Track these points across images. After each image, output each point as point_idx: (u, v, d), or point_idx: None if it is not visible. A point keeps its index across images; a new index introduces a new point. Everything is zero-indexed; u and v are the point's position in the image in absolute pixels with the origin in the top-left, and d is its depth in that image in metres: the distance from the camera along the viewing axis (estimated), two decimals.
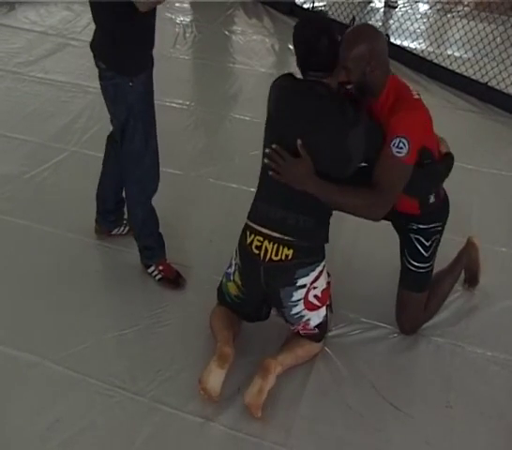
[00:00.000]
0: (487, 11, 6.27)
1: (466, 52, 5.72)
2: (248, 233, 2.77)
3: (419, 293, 3.11)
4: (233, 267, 2.91)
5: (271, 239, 2.69)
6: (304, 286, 2.75)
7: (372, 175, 2.68)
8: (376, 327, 3.22)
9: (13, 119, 4.80)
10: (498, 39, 5.63)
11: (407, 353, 3.11)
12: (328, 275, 2.89)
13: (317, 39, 2.58)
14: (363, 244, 3.70)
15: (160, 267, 3.41)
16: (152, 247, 3.42)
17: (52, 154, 4.39)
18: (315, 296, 2.81)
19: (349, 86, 2.70)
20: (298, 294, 2.76)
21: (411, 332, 3.19)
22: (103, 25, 2.95)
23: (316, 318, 2.87)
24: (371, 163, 2.68)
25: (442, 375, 3.00)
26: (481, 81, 5.34)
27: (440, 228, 3.03)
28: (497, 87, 5.28)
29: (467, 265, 3.42)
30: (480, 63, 5.43)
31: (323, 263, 2.81)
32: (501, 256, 3.70)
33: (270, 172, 2.64)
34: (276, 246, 2.69)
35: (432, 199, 2.96)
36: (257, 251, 2.72)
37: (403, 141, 2.63)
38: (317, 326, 2.90)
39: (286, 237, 2.68)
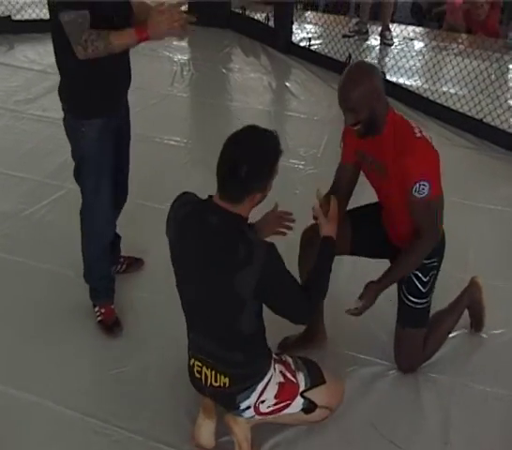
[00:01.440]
0: (481, 49, 6.37)
1: (461, 89, 5.80)
2: (189, 355, 2.69)
3: (417, 329, 3.11)
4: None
5: (208, 365, 2.59)
6: (248, 407, 2.60)
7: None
8: (375, 364, 3.22)
9: (12, 157, 4.84)
10: (492, 76, 5.73)
11: (406, 390, 3.11)
12: (283, 365, 2.69)
13: (238, 164, 2.33)
14: (360, 280, 3.72)
15: (102, 310, 3.38)
16: (98, 290, 3.40)
17: (50, 191, 4.43)
18: (269, 407, 2.62)
19: (356, 127, 2.73)
20: (248, 413, 2.62)
21: (409, 370, 3.18)
22: (58, 64, 2.99)
23: (292, 410, 2.67)
24: (272, 299, 2.49)
25: (441, 412, 2.99)
26: (476, 117, 5.39)
27: (437, 263, 3.04)
28: (492, 123, 5.34)
29: (471, 307, 3.41)
30: (475, 99, 5.49)
31: (266, 378, 2.60)
32: (499, 291, 3.71)
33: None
34: (213, 372, 2.59)
35: None
36: (198, 375, 2.64)
37: (423, 183, 2.69)
38: (303, 410, 2.70)
39: (219, 366, 2.57)
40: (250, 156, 2.35)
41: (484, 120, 5.36)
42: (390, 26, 7.09)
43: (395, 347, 3.17)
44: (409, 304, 3.07)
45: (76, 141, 3.07)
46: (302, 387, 2.66)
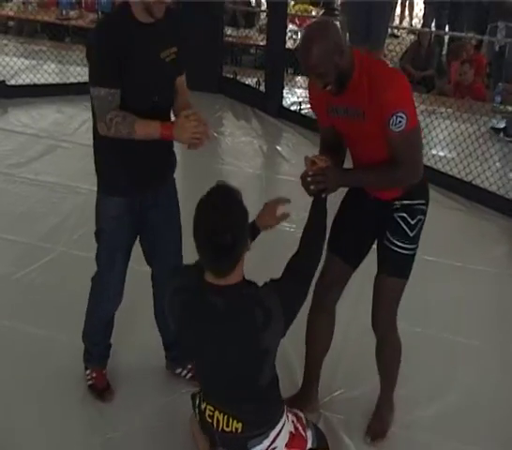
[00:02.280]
0: (469, 112, 6.50)
1: (450, 152, 5.90)
2: (201, 399, 2.67)
3: (401, 280, 2.98)
4: (196, 409, 2.74)
5: (221, 410, 2.57)
6: None
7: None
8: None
9: (3, 220, 4.86)
10: (480, 140, 5.81)
11: None
12: (296, 417, 2.74)
13: (225, 235, 2.28)
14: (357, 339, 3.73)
15: (94, 374, 3.36)
16: (91, 354, 3.38)
17: (41, 254, 4.44)
18: None
19: (328, 88, 2.69)
20: None
21: (386, 327, 3.07)
22: (93, 134, 2.94)
23: None
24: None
25: None
26: (465, 179, 5.48)
27: (423, 207, 2.93)
28: (481, 185, 5.42)
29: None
30: (464, 162, 5.58)
31: (279, 425, 2.62)
32: (489, 353, 3.73)
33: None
34: (226, 417, 2.56)
35: None
36: (210, 420, 2.60)
37: (400, 115, 2.64)
38: None
39: (233, 412, 2.56)
40: (233, 221, 2.31)
41: (473, 182, 5.44)
42: None
43: (375, 300, 3.02)
44: (396, 249, 2.91)
45: (96, 212, 3.10)
46: (309, 445, 2.70)
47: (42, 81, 7.17)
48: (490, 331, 3.94)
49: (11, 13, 9.63)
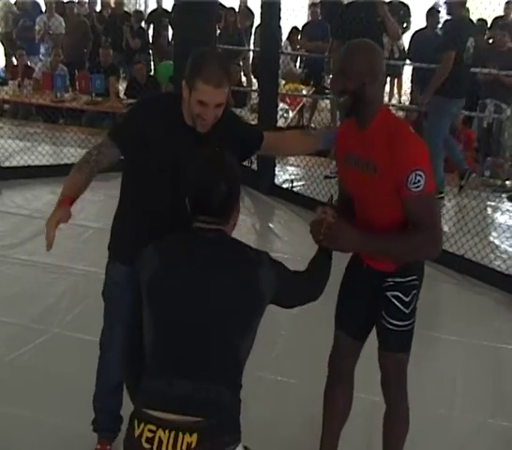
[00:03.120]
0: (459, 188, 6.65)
1: (442, 226, 5.96)
2: (135, 424, 2.22)
3: (403, 353, 2.93)
4: None
5: (166, 426, 2.16)
6: None
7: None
8: None
9: None
10: (471, 214, 5.91)
11: None
12: None
13: (215, 182, 2.34)
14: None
15: (98, 446, 3.32)
16: (97, 420, 3.33)
17: (33, 335, 4.43)
18: None
19: (343, 98, 2.65)
20: None
21: (400, 402, 3.03)
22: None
23: None
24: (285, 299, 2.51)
25: None
26: (457, 253, 5.54)
27: (417, 282, 2.86)
28: (473, 259, 5.48)
29: None
30: (456, 236, 5.65)
31: (237, 446, 2.27)
32: (488, 427, 3.72)
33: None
34: (173, 434, 2.15)
35: None
36: (148, 446, 2.16)
37: (419, 173, 2.55)
38: None
39: (190, 418, 2.18)
40: (227, 172, 2.38)
41: (465, 255, 5.51)
42: None
43: (382, 375, 2.97)
44: (393, 328, 2.87)
45: (105, 277, 3.15)
46: None
47: (36, 162, 7.32)
48: (489, 403, 3.93)
49: (7, 97, 9.87)
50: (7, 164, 7.22)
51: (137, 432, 2.19)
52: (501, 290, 5.22)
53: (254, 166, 7.24)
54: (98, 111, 9.47)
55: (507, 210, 6.69)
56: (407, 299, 2.83)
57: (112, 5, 12.02)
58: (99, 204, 6.61)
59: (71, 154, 7.55)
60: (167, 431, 2.15)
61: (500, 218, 6.54)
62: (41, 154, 7.51)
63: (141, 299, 2.42)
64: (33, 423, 3.67)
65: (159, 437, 2.15)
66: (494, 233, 6.14)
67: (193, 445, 2.13)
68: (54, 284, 5.13)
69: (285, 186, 7.04)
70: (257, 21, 11.48)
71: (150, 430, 2.17)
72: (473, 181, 7.07)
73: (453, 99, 6.72)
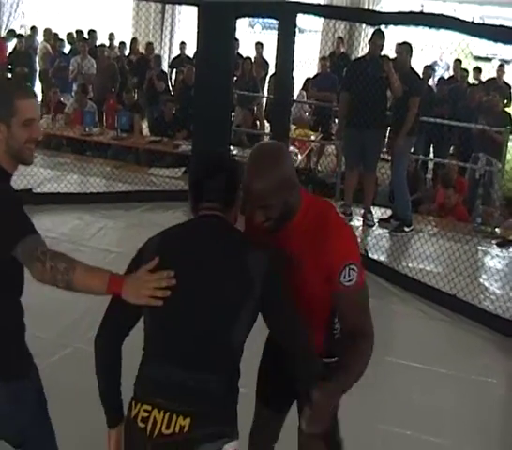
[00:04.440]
0: (452, 231, 6.70)
1: (436, 267, 6.04)
2: (133, 404, 2.17)
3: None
4: None
5: (161, 407, 2.09)
6: None
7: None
8: None
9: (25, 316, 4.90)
10: (463, 257, 5.96)
11: None
12: None
13: (217, 170, 2.27)
14: None
15: None
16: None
17: (57, 349, 4.48)
18: None
19: (267, 224, 2.30)
20: None
21: None
22: None
23: None
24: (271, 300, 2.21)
25: None
26: (450, 292, 5.57)
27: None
28: (465, 299, 5.50)
29: None
30: (449, 276, 5.71)
31: (234, 443, 2.15)
32: None
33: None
34: (167, 415, 2.07)
35: (337, 333, 2.55)
36: (142, 425, 2.09)
37: (352, 267, 2.28)
38: None
39: (183, 405, 2.09)
40: (226, 162, 2.35)
41: (457, 295, 5.53)
42: (372, 209, 7.41)
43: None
44: None
45: None
46: None
47: (65, 190, 7.39)
48: (476, 436, 3.93)
49: (41, 129, 9.93)
50: (38, 190, 7.27)
51: (133, 413, 2.14)
52: (489, 328, 5.23)
53: None
54: (123, 145, 9.55)
55: (497, 255, 6.75)
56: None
57: (142, 50, 12.20)
58: (121, 231, 6.69)
59: (97, 183, 7.66)
60: (162, 412, 2.08)
61: (490, 262, 6.59)
62: (70, 182, 7.58)
63: None
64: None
65: (154, 417, 2.08)
66: (484, 276, 6.18)
67: (186, 429, 2.05)
68: (78, 302, 5.12)
69: None
70: (271, 70, 11.67)
71: (145, 410, 2.10)
72: (465, 227, 7.16)
73: (413, 138, 7.10)
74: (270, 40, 11.66)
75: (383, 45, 7.02)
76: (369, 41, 7.06)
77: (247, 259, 2.17)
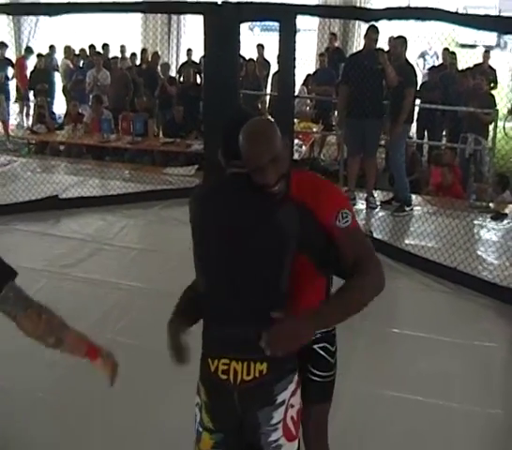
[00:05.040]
0: (450, 209, 6.69)
1: (437, 243, 6.02)
2: (209, 361, 2.24)
3: (326, 403, 2.62)
4: (198, 414, 2.33)
5: (238, 359, 2.19)
6: (283, 403, 2.23)
7: (343, 261, 2.31)
8: None
9: (57, 312, 4.94)
10: (461, 231, 5.96)
11: None
12: None
13: (240, 124, 2.24)
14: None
15: None
16: None
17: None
18: (292, 419, 2.27)
19: (276, 187, 2.24)
20: (278, 415, 2.23)
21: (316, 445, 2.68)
22: None
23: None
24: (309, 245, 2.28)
25: None
26: (451, 266, 5.56)
27: (335, 331, 2.56)
28: (464, 270, 5.50)
29: None
30: (449, 251, 5.71)
31: (296, 374, 2.30)
32: (481, 418, 3.74)
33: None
34: (245, 364, 2.19)
35: None
36: (225, 376, 2.20)
37: (344, 212, 2.30)
38: None
39: (256, 353, 2.16)
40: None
41: (457, 268, 5.53)
42: (374, 193, 7.42)
43: (304, 427, 2.56)
44: (318, 380, 2.54)
45: None
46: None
47: (88, 194, 7.43)
48: (485, 397, 3.95)
49: (63, 139, 10.04)
50: (64, 196, 7.33)
51: (212, 368, 2.23)
52: (488, 296, 5.23)
53: None
54: (139, 149, 9.58)
55: (492, 228, 6.73)
56: (332, 349, 2.56)
57: (149, 58, 12.21)
58: (141, 229, 6.74)
59: (117, 186, 7.70)
60: (240, 362, 2.19)
61: (486, 235, 6.57)
62: (92, 186, 7.64)
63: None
64: (86, 415, 3.73)
65: (234, 368, 2.19)
66: (482, 248, 6.16)
67: (264, 372, 2.19)
68: (106, 298, 5.20)
69: None
70: (272, 69, 11.66)
71: (224, 364, 2.21)
72: (462, 204, 7.15)
73: (409, 125, 7.21)
74: (269, 41, 11.73)
75: (377, 39, 7.06)
76: (365, 36, 7.08)
77: (277, 214, 2.19)
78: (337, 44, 12.34)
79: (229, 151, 2.29)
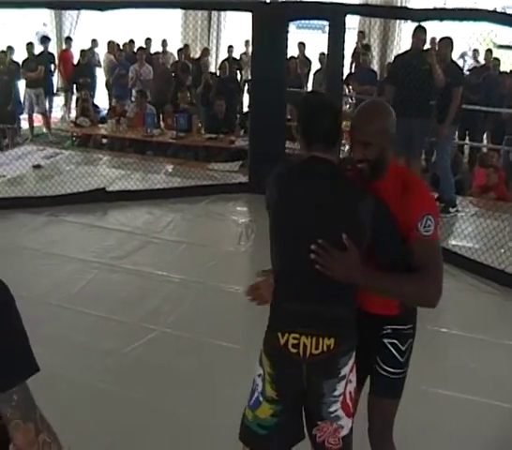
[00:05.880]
0: (494, 211, 6.65)
1: (484, 245, 5.96)
2: (279, 335, 2.35)
3: (393, 400, 2.66)
4: (260, 384, 2.45)
5: (308, 333, 2.32)
6: (344, 377, 2.37)
7: (412, 263, 2.35)
8: None
9: (109, 303, 5.00)
10: (508, 233, 5.94)
11: None
12: None
13: (324, 110, 2.35)
14: None
15: None
16: None
17: (144, 333, 4.56)
18: (349, 394, 2.41)
19: (361, 165, 2.37)
20: (340, 387, 2.37)
21: (379, 444, 2.76)
22: None
23: (347, 426, 2.44)
24: (381, 238, 2.36)
25: None
26: (498, 267, 5.54)
27: (413, 331, 2.61)
28: None
29: None
30: (497, 253, 5.68)
31: (355, 351, 2.41)
32: None
33: (318, 267, 2.26)
34: (314, 339, 2.32)
35: None
36: (295, 350, 2.33)
37: (430, 218, 2.33)
38: (344, 438, 2.45)
39: (323, 328, 2.33)
40: (335, 108, 2.41)
41: (505, 270, 5.50)
42: None
43: (369, 418, 2.70)
44: (385, 374, 2.60)
45: None
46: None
47: (135, 187, 7.49)
48: None
49: (107, 133, 10.12)
50: (111, 188, 7.38)
51: (282, 342, 2.34)
52: None
53: None
54: (182, 144, 9.63)
55: None
56: (403, 348, 2.58)
57: (194, 55, 12.28)
58: (188, 223, 6.76)
59: (162, 180, 7.76)
60: (309, 337, 2.32)
61: None
62: (137, 180, 7.69)
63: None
64: (142, 404, 3.78)
65: (303, 342, 2.32)
66: None
67: (332, 347, 2.32)
68: (156, 290, 5.25)
69: None
70: (313, 67, 11.67)
71: (294, 338, 2.33)
72: (505, 205, 7.13)
73: (456, 126, 7.15)
74: (305, 39, 11.75)
75: (425, 39, 7.03)
76: (413, 36, 7.05)
77: (358, 204, 2.28)
78: (365, 42, 12.35)
79: (309, 134, 2.36)
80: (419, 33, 6.95)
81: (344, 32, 6.92)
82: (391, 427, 2.73)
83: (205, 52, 12.24)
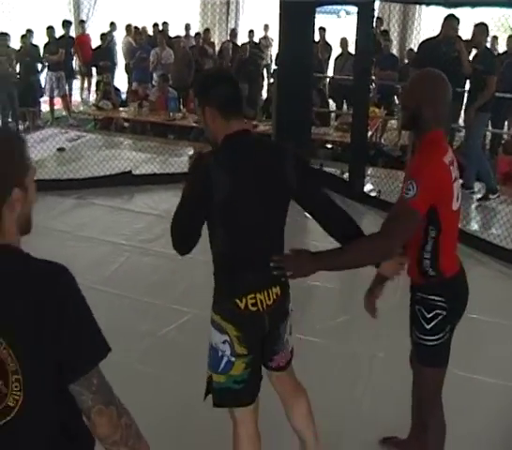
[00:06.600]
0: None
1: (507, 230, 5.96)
2: (237, 301, 2.49)
3: (433, 368, 2.72)
4: (228, 348, 2.56)
5: (259, 288, 2.52)
6: (290, 311, 2.70)
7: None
8: None
9: (141, 286, 5.04)
10: None
11: None
12: None
13: (234, 83, 2.46)
14: None
15: None
16: None
17: (178, 315, 4.59)
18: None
19: (402, 112, 2.66)
20: (289, 320, 2.71)
21: (422, 412, 2.85)
22: None
23: (292, 341, 2.79)
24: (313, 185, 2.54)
25: None
26: None
27: (443, 304, 2.62)
28: None
29: None
30: None
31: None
32: None
33: (276, 273, 2.47)
34: (265, 292, 2.52)
35: (432, 272, 2.62)
36: (254, 308, 2.51)
37: (412, 183, 2.37)
38: (291, 351, 2.80)
39: (271, 281, 2.54)
40: (233, 78, 2.54)
41: None
42: None
43: (416, 388, 2.84)
44: (419, 341, 2.68)
45: None
46: None
47: (160, 171, 7.49)
48: None
49: (129, 116, 10.11)
50: (137, 172, 7.39)
51: (242, 305, 2.50)
52: None
53: (345, 176, 7.29)
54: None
55: None
56: (428, 315, 2.63)
57: (215, 39, 12.24)
58: None
59: (185, 164, 7.73)
60: (261, 292, 2.52)
61: None
62: (162, 163, 7.69)
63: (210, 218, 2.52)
64: (176, 384, 3.81)
65: (259, 299, 2.51)
66: None
67: (279, 294, 2.56)
68: (186, 273, 5.25)
69: (373, 194, 7.07)
70: (334, 52, 11.60)
71: (251, 298, 2.50)
72: None
73: (488, 114, 7.08)
74: (324, 24, 11.67)
75: (457, 28, 6.91)
76: (443, 23, 6.97)
77: (284, 164, 2.45)
78: (382, 28, 12.23)
79: (227, 108, 2.42)
80: (451, 20, 6.88)
81: (373, 17, 6.88)
82: (434, 396, 2.78)
83: (233, 33, 12.21)
